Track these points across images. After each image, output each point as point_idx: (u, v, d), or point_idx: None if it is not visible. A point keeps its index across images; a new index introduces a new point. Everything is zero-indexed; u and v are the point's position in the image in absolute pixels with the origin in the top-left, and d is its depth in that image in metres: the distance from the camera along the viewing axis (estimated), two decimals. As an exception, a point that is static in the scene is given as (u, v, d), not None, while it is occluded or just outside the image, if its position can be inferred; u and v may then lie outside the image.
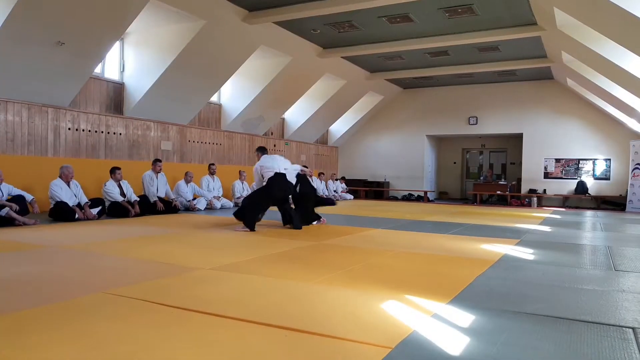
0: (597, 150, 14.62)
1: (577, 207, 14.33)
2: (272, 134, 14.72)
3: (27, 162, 8.06)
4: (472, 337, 2.29)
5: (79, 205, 7.20)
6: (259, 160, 6.90)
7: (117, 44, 9.69)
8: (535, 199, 14.76)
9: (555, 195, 14.93)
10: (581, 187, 14.57)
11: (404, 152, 17.25)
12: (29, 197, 6.59)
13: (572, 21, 7.91)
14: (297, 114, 15.16)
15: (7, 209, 6.12)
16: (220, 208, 10.05)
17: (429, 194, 16.69)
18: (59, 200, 6.98)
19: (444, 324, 2.50)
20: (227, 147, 12.60)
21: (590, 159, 14.72)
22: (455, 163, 18.72)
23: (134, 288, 3.07)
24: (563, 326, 2.51)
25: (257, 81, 12.23)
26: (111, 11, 7.75)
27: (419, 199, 16.71)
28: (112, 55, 9.74)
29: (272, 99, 12.80)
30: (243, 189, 11.18)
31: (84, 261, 4.09)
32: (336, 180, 15.83)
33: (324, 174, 15.08)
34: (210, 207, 9.89)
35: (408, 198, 17.04)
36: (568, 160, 14.98)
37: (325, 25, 10.27)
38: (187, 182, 9.64)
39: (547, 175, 15.24)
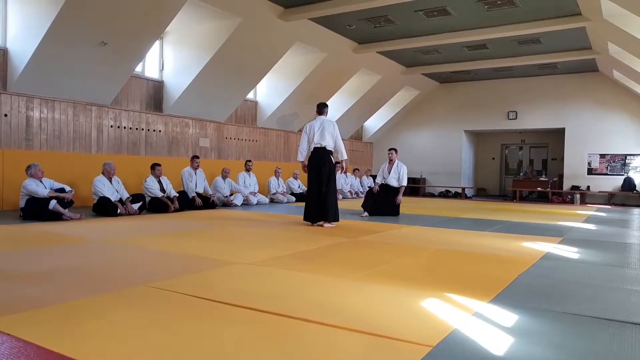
0: (646, 145, 14.00)
1: (623, 205, 13.77)
2: (307, 130, 14.73)
3: (73, 158, 8.37)
4: (515, 337, 2.23)
5: (120, 200, 7.42)
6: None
7: (156, 43, 9.91)
8: (578, 195, 14.27)
9: (599, 192, 14.38)
10: (628, 184, 13.97)
11: (441, 148, 16.98)
12: (68, 188, 6.82)
13: (619, 10, 7.58)
14: (331, 110, 14.94)
15: (54, 202, 6.36)
16: (256, 204, 10.17)
17: (466, 191, 16.38)
18: (101, 195, 7.21)
19: (486, 322, 2.44)
20: (263, 144, 12.72)
21: (639, 154, 14.08)
22: (493, 159, 18.30)
23: (174, 281, 3.14)
24: (611, 328, 2.41)
25: (292, 78, 12.28)
26: (151, 11, 7.93)
27: (456, 195, 16.42)
28: (152, 54, 9.98)
29: (307, 95, 12.81)
30: (279, 185, 11.27)
31: (127, 255, 4.21)
32: (370, 176, 15.74)
33: (358, 170, 15.03)
34: (246, 203, 10.02)
35: (445, 195, 16.78)
36: (614, 156, 14.39)
37: (361, 20, 10.21)
38: (224, 178, 9.79)
39: (591, 171, 14.69)
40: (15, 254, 4.11)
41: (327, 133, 6.50)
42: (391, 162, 8.41)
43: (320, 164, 6.48)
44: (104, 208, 7.15)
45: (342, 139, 6.81)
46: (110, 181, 7.44)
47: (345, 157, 6.76)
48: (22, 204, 6.47)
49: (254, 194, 10.34)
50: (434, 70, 14.47)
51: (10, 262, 3.72)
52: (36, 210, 6.34)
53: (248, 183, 10.43)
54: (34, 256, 4.03)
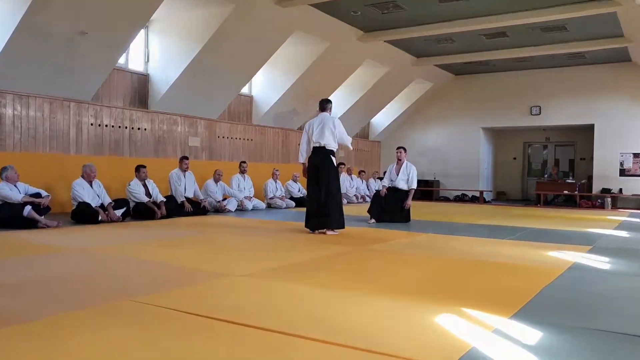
0: (684, 143, 13.98)
1: (659, 209, 13.75)
2: (308, 128, 14.76)
3: (49, 159, 8.39)
4: (538, 356, 2.22)
5: (102, 206, 7.43)
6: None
7: (141, 32, 9.94)
8: (609, 199, 14.23)
9: (633, 195, 14.35)
10: (664, 186, 13.95)
11: (456, 147, 16.97)
12: (44, 193, 6.84)
13: (654, -6, 7.59)
14: (335, 106, 14.94)
15: (29, 207, 6.38)
16: (251, 209, 10.18)
17: (485, 194, 16.37)
18: (81, 201, 7.23)
19: (507, 340, 2.44)
20: (259, 143, 12.74)
21: (676, 153, 14.07)
22: (515, 159, 18.29)
23: (161, 296, 3.14)
24: (646, 346, 2.41)
25: (291, 70, 12.31)
26: (135, -3, 7.96)
27: (474, 199, 16.41)
28: (137, 44, 10.00)
29: (308, 89, 12.82)
30: (276, 189, 11.28)
31: (109, 266, 4.22)
32: (378, 178, 15.71)
33: (364, 172, 15.02)
34: (241, 208, 10.03)
35: (461, 199, 16.78)
36: (649, 155, 14.37)
37: (367, 6, 10.22)
38: (216, 181, 9.81)
39: (623, 172, 14.66)
40: (-15, 265, 4.12)
41: (327, 130, 6.49)
42: (399, 162, 8.42)
43: (319, 166, 6.48)
44: (84, 215, 7.16)
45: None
46: (91, 185, 7.45)
47: (347, 143, 6.78)
48: (-7, 210, 6.49)
49: (249, 198, 10.35)
50: (448, 61, 14.48)
51: (-20, 275, 3.73)
52: (9, 217, 6.35)
53: (242, 186, 10.45)
54: (7, 267, 4.04)
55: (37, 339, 2.32)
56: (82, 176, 7.44)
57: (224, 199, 9.91)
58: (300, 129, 14.17)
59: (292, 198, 11.53)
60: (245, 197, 10.28)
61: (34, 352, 2.17)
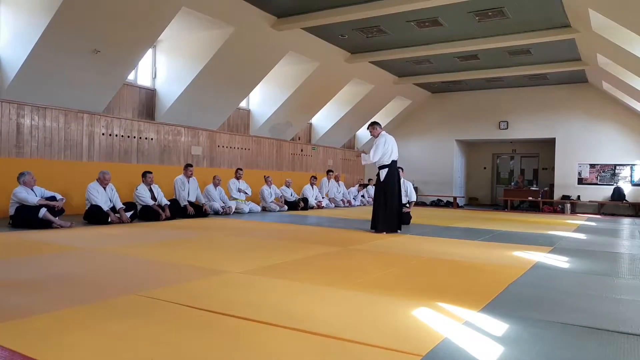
0: (636, 155, 14.13)
1: (613, 215, 13.88)
2: (299, 138, 14.78)
3: (64, 166, 8.31)
4: (505, 347, 2.23)
5: (112, 208, 7.36)
6: (376, 135, 7.03)
7: (149, 51, 9.91)
8: (568, 205, 14.36)
9: (590, 201, 14.49)
10: (618, 194, 14.10)
11: (433, 157, 17.06)
12: (59, 197, 6.77)
13: (608, 23, 7.70)
14: (324, 119, 15.17)
15: (44, 210, 6.31)
16: (248, 212, 10.14)
17: (458, 200, 16.44)
18: (94, 203, 7.16)
19: (476, 332, 2.45)
20: (256, 152, 12.71)
21: (628, 165, 14.23)
22: (485, 168, 18.40)
23: (165, 291, 3.12)
24: (601, 337, 2.42)
25: (285, 87, 12.32)
26: (144, 19, 7.93)
27: (448, 204, 16.48)
28: (145, 62, 9.96)
29: (300, 104, 12.85)
30: (271, 194, 11.21)
31: (117, 263, 4.18)
32: (361, 185, 15.67)
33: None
34: (238, 211, 9.98)
35: (437, 204, 16.84)
36: (603, 166, 14.53)
37: (354, 30, 10.27)
38: (216, 185, 9.77)
39: (581, 181, 14.81)
40: (3, 262, 4.06)
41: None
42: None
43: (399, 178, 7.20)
44: (95, 216, 7.09)
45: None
46: (105, 189, 7.38)
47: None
48: (11, 211, 6.42)
49: (248, 198, 10.32)
50: (425, 80, 14.57)
51: (-2, 271, 3.68)
52: (26, 218, 6.29)
53: (238, 188, 10.41)
54: (23, 264, 3.99)
55: (44, 332, 2.29)
56: (98, 180, 7.37)
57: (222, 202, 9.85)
58: (293, 139, 14.19)
59: (286, 202, 11.48)
60: (242, 191, 10.29)
61: (41, 343, 2.14)
